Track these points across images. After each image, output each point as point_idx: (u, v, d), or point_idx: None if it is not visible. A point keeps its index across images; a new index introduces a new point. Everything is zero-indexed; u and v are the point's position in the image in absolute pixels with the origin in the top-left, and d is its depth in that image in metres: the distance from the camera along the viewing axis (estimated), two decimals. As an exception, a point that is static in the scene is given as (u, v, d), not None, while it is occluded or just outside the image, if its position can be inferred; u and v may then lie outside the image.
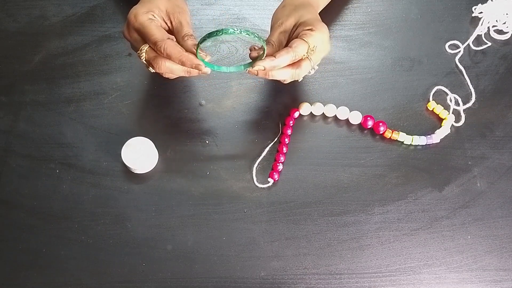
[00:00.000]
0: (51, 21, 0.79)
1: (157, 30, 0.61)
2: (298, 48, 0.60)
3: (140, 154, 0.68)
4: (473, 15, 0.80)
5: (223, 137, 0.72)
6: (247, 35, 0.57)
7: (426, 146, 0.72)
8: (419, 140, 0.71)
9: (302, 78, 0.66)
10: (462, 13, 0.81)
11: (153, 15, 0.63)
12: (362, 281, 0.65)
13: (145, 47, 0.62)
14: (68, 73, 0.75)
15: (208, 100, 0.74)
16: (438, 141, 0.72)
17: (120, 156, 0.68)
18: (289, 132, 0.71)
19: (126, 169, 0.69)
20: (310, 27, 0.62)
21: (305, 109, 0.72)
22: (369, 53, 0.77)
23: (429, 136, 0.71)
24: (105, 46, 0.77)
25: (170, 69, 0.61)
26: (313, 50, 0.62)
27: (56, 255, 0.65)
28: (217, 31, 0.57)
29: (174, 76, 0.65)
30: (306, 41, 0.61)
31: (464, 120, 0.73)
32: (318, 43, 0.62)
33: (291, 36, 0.64)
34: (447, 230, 0.67)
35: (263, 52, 0.61)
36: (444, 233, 0.67)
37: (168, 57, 0.60)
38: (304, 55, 0.62)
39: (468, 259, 0.66)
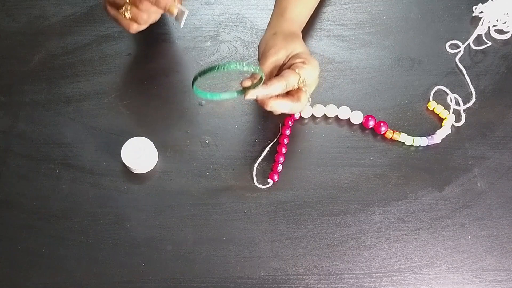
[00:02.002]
0: (51, 21, 0.79)
1: None
2: (290, 78, 0.61)
3: (140, 154, 0.68)
4: (473, 14, 0.80)
5: (223, 137, 0.71)
6: (247, 68, 0.57)
7: (427, 146, 0.72)
8: (420, 141, 0.71)
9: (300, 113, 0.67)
10: (462, 13, 0.81)
11: None
12: (362, 281, 0.65)
13: None
14: (68, 73, 0.75)
15: (208, 100, 0.74)
16: (439, 141, 0.72)
17: (120, 156, 0.68)
18: (287, 132, 0.71)
19: (126, 169, 0.69)
20: (302, 60, 0.63)
21: (306, 111, 0.72)
22: (369, 53, 0.77)
23: (430, 136, 0.71)
24: (104, 46, 0.77)
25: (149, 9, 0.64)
26: (303, 82, 0.63)
27: (56, 255, 0.65)
28: (218, 66, 0.57)
29: (144, 25, 0.67)
30: (297, 73, 0.62)
31: (464, 120, 0.73)
32: (309, 76, 0.63)
33: (282, 67, 0.65)
34: (448, 230, 0.67)
35: (259, 82, 0.61)
36: (444, 233, 0.67)
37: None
38: (294, 86, 0.62)
39: (468, 259, 0.66)
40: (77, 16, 0.79)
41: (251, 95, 0.60)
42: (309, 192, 0.69)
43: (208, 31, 0.78)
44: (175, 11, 0.63)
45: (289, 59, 0.64)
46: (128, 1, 0.64)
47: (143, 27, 0.67)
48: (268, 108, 0.62)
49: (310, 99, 0.65)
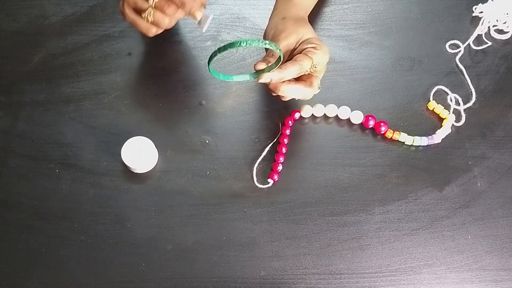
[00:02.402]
0: (51, 21, 0.79)
1: None
2: (303, 62, 0.61)
3: (140, 154, 0.68)
4: (473, 14, 0.80)
5: (223, 137, 0.71)
6: (269, 46, 0.57)
7: (427, 146, 0.72)
8: (421, 141, 0.71)
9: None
10: (462, 13, 0.80)
11: None
12: (362, 281, 0.65)
13: None
14: (68, 73, 0.75)
15: (208, 100, 0.74)
16: (439, 141, 0.72)
17: (120, 156, 0.68)
18: (287, 132, 0.71)
19: (126, 169, 0.69)
20: (314, 45, 0.63)
21: (306, 111, 0.72)
22: (369, 53, 0.77)
23: (430, 136, 0.71)
24: (105, 45, 0.77)
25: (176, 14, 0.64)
26: (315, 67, 0.62)
27: (56, 255, 0.65)
28: (240, 41, 0.55)
29: (163, 29, 0.67)
30: (310, 57, 0.61)
31: (464, 120, 0.73)
32: (321, 61, 0.63)
33: (293, 52, 0.64)
34: (448, 230, 0.67)
35: (275, 65, 0.60)
36: (444, 233, 0.67)
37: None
38: (307, 71, 0.62)
39: (468, 259, 0.66)
40: (77, 16, 0.79)
41: (265, 78, 0.60)
42: (309, 192, 0.69)
43: (208, 31, 0.78)
44: (199, 16, 0.63)
45: (300, 44, 0.64)
46: (153, 5, 0.64)
47: (161, 31, 0.67)
48: (280, 93, 0.62)
49: (320, 86, 0.65)
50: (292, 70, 0.60)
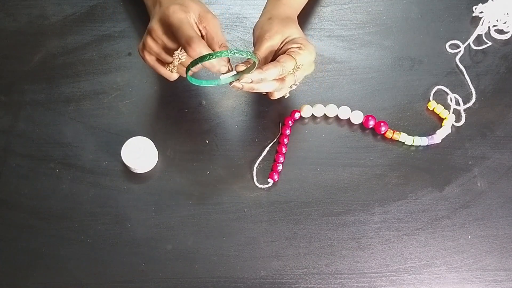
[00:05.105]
0: (51, 21, 0.79)
1: (193, 30, 0.60)
2: (286, 64, 0.61)
3: (140, 154, 0.68)
4: (473, 14, 0.80)
5: (223, 137, 0.71)
6: (240, 55, 0.57)
7: (427, 146, 0.72)
8: (421, 141, 0.71)
9: (288, 94, 0.67)
10: (462, 13, 0.81)
11: (189, 16, 0.62)
12: (362, 281, 0.65)
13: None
14: (68, 73, 0.75)
15: (209, 100, 0.74)
16: (439, 141, 0.72)
17: (120, 156, 0.68)
18: (287, 132, 0.71)
19: (126, 169, 0.69)
20: (298, 45, 0.63)
21: (306, 111, 0.72)
22: (369, 53, 0.77)
23: (430, 136, 0.71)
24: (105, 45, 0.77)
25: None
26: (299, 68, 0.63)
27: (56, 255, 0.65)
28: (209, 54, 0.57)
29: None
30: (293, 58, 0.61)
31: (464, 120, 0.73)
32: (305, 61, 0.63)
33: (277, 52, 0.64)
34: (448, 230, 0.67)
35: (254, 66, 0.60)
36: (444, 233, 0.67)
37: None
38: (290, 72, 0.62)
39: (468, 259, 0.66)
40: (77, 16, 0.79)
41: (246, 79, 0.60)
42: (309, 192, 0.69)
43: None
44: (224, 70, 0.62)
45: (285, 44, 0.64)
46: (178, 62, 0.62)
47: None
48: (254, 91, 0.62)
49: (298, 83, 0.65)
50: (273, 71, 0.60)
